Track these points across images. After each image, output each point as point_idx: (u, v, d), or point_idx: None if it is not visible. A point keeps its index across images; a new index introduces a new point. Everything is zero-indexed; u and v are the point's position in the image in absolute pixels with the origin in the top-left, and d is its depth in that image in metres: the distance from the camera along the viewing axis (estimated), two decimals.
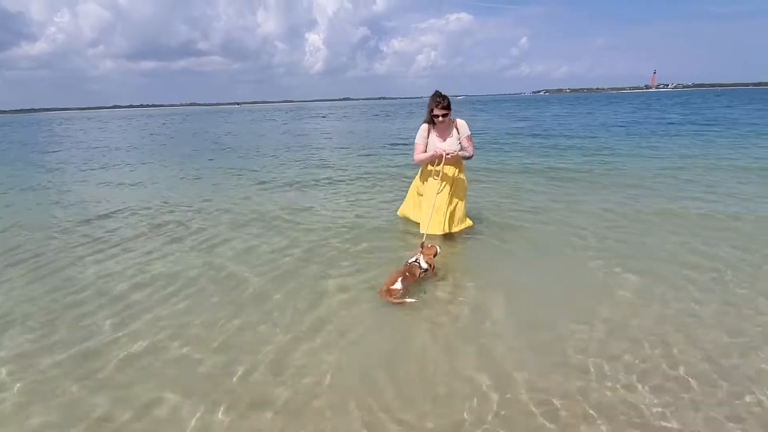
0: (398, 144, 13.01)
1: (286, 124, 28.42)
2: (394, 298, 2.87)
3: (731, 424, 1.81)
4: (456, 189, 4.10)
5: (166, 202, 6.00)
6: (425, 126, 4.02)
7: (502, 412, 1.90)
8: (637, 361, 2.22)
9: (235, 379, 2.17)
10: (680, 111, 24.62)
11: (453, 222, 4.14)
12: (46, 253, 4.07)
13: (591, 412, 1.89)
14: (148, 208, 5.72)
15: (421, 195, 4.26)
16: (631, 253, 3.61)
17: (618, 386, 2.04)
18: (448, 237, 4.05)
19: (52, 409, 2.01)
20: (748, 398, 1.94)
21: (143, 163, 10.71)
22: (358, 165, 9.16)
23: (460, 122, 4.01)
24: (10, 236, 4.68)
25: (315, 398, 2.03)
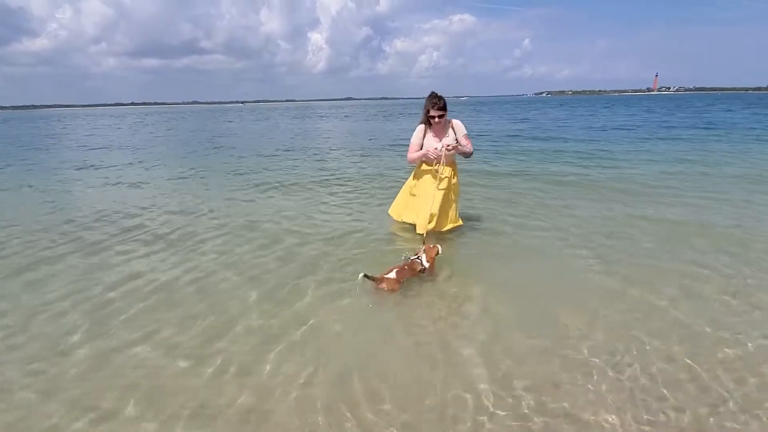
0: (398, 145, 12.93)
1: (292, 121, 28.41)
2: (383, 284, 2.92)
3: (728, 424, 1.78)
4: (450, 190, 4.10)
5: (153, 204, 5.89)
6: (422, 127, 4.04)
7: (492, 410, 1.89)
8: (634, 361, 2.21)
9: (204, 381, 2.11)
10: (681, 114, 24.60)
11: (446, 221, 4.13)
12: (25, 251, 4.00)
13: (589, 411, 1.88)
14: (136, 209, 5.63)
15: (414, 195, 4.23)
16: (620, 257, 3.57)
17: (613, 386, 2.03)
18: (439, 237, 4.01)
19: (2, 413, 1.94)
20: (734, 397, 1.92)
21: (140, 162, 10.60)
22: (356, 165, 9.09)
23: (456, 122, 4.02)
24: None
25: (288, 400, 1.98)
